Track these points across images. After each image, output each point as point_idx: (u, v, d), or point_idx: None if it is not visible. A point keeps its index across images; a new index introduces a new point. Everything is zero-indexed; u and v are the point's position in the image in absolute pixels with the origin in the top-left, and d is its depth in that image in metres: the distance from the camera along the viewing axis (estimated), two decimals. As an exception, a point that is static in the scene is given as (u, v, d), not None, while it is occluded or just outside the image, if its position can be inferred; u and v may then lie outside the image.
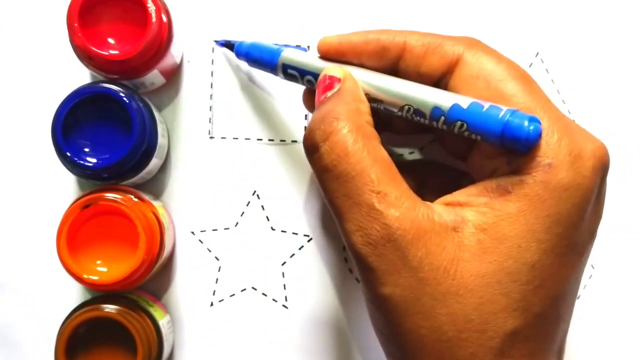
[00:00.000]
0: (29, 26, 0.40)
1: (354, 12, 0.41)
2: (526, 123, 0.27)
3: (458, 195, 0.29)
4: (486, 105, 0.28)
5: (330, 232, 0.40)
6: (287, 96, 0.41)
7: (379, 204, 0.27)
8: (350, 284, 0.40)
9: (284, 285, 0.40)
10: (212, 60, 0.41)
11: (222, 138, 0.41)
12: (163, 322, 0.38)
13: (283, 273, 0.40)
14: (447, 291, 0.27)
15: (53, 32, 0.40)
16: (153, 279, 0.39)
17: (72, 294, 0.40)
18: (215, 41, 0.39)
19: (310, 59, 0.34)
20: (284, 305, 0.40)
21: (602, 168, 0.28)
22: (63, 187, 0.40)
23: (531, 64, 0.41)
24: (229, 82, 0.41)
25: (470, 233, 0.28)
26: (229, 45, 0.38)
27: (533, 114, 0.28)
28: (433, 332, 0.27)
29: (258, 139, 0.41)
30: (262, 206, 0.40)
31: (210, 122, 0.41)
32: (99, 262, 0.35)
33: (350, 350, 0.40)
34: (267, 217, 0.40)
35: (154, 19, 0.35)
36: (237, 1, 0.41)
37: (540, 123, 0.27)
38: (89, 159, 0.35)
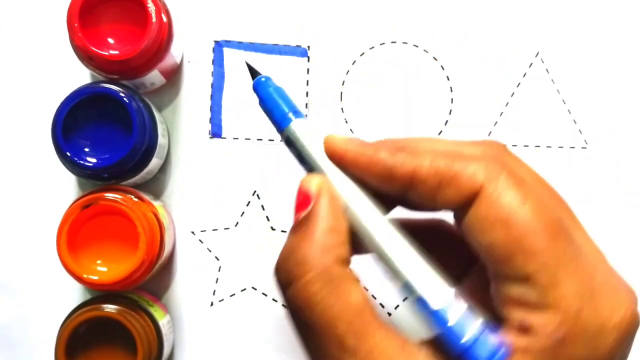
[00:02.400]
0: (29, 26, 0.40)
1: (354, 12, 0.41)
2: (487, 355, 0.24)
3: None
4: (454, 318, 0.25)
5: (330, 232, 0.40)
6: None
7: (349, 359, 0.25)
8: (350, 284, 0.40)
9: (284, 285, 0.40)
10: (212, 60, 0.41)
11: (222, 138, 0.41)
12: (163, 322, 0.38)
13: (283, 273, 0.40)
14: None
15: (53, 32, 0.40)
16: (153, 278, 0.39)
17: (72, 294, 0.40)
18: (246, 63, 0.35)
19: (313, 148, 0.29)
20: (284, 305, 0.40)
21: (629, 337, 0.25)
22: (63, 187, 0.40)
23: (531, 64, 0.41)
24: (229, 82, 0.41)
25: None
26: (252, 70, 0.33)
27: (553, 278, 0.24)
28: None
29: (258, 139, 0.41)
30: (262, 206, 0.40)
31: (210, 122, 0.41)
32: (99, 262, 0.35)
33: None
34: (267, 217, 0.40)
35: (154, 19, 0.35)
36: (237, 1, 0.41)
37: (502, 356, 0.24)
38: (89, 159, 0.35)
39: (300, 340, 0.26)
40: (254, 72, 0.33)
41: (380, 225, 0.27)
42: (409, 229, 0.29)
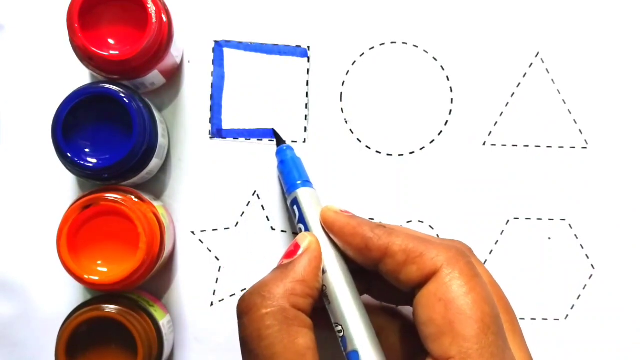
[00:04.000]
0: (30, 27, 0.40)
1: (354, 12, 0.41)
2: None
3: None
4: None
5: (331, 232, 0.40)
6: (287, 96, 0.41)
7: None
8: (350, 284, 0.40)
9: (284, 285, 0.40)
10: (212, 60, 0.41)
11: (222, 138, 0.41)
12: (163, 322, 0.38)
13: (283, 273, 0.40)
14: None
15: (53, 33, 0.40)
16: (153, 279, 0.39)
17: (72, 294, 0.40)
18: (274, 130, 0.40)
19: (312, 214, 0.34)
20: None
21: None
22: (63, 188, 0.40)
23: (531, 64, 0.41)
24: (229, 82, 0.41)
25: None
26: (277, 137, 0.40)
27: None
28: None
29: (258, 139, 0.41)
30: (262, 206, 0.40)
31: (210, 122, 0.41)
32: (99, 262, 0.35)
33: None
34: (267, 217, 0.40)
35: (154, 19, 0.35)
36: (237, 1, 0.41)
37: None
38: (89, 159, 0.35)
39: None
40: (279, 140, 0.39)
41: (347, 295, 0.31)
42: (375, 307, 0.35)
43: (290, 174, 0.37)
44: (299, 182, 0.36)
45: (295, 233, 0.40)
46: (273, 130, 0.40)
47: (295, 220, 0.35)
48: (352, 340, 0.30)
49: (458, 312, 0.28)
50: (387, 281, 0.32)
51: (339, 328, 0.31)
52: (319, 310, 0.31)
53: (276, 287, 0.30)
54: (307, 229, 0.34)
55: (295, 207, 0.35)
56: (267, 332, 0.28)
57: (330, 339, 0.32)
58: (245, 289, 0.40)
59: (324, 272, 0.32)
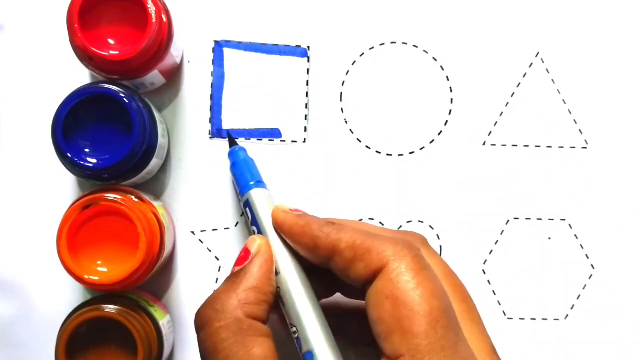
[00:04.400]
0: (30, 27, 0.40)
1: (354, 12, 0.41)
2: None
3: None
4: None
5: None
6: (287, 96, 0.41)
7: None
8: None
9: (284, 285, 0.40)
10: (212, 60, 0.41)
11: (222, 138, 0.41)
12: (163, 322, 0.38)
13: (283, 273, 0.40)
14: None
15: (53, 33, 0.40)
16: (153, 279, 0.39)
17: (72, 294, 0.40)
18: (228, 132, 0.40)
19: (263, 215, 0.34)
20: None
21: None
22: (63, 188, 0.40)
23: (531, 64, 0.41)
24: (229, 82, 0.41)
25: None
26: (230, 139, 0.39)
27: None
28: None
29: (258, 139, 0.41)
30: (262, 206, 0.40)
31: (210, 122, 0.41)
32: (99, 262, 0.35)
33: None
34: (267, 217, 0.40)
35: (154, 20, 0.35)
36: (237, 1, 0.41)
37: None
38: (89, 159, 0.35)
39: None
40: (232, 142, 0.39)
41: (300, 295, 0.31)
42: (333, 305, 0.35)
43: (243, 176, 0.37)
44: (251, 183, 0.36)
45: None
46: (227, 132, 0.40)
47: (249, 223, 0.35)
48: (307, 340, 0.30)
49: (406, 308, 0.27)
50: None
51: (294, 329, 0.31)
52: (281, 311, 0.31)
53: (229, 299, 0.29)
54: (260, 231, 0.34)
55: (247, 209, 0.35)
56: (223, 346, 0.28)
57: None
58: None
59: (277, 273, 0.32)
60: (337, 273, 0.31)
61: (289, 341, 0.31)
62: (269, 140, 0.41)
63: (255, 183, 0.36)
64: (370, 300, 0.29)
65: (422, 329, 0.27)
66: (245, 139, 0.41)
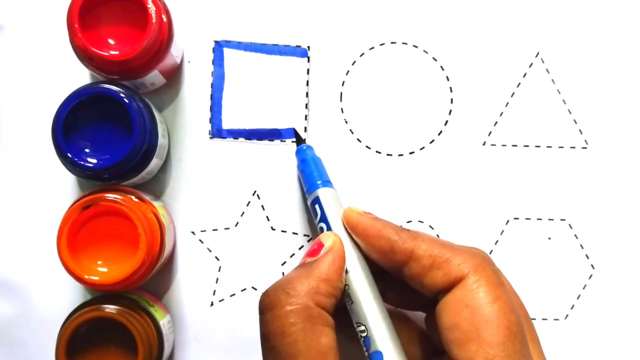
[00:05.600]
0: (30, 27, 0.40)
1: (354, 12, 0.41)
2: None
3: None
4: None
5: (331, 232, 0.40)
6: (287, 96, 0.41)
7: None
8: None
9: (284, 285, 0.40)
10: (212, 60, 0.41)
11: (222, 138, 0.41)
12: (163, 322, 0.38)
13: (283, 273, 0.40)
14: None
15: (53, 33, 0.40)
16: (153, 279, 0.39)
17: (72, 294, 0.40)
18: (294, 130, 0.40)
19: (333, 215, 0.35)
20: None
21: None
22: (63, 188, 0.40)
23: (531, 64, 0.41)
24: (229, 82, 0.41)
25: None
26: (297, 137, 0.40)
27: None
28: None
29: (258, 139, 0.41)
30: (262, 206, 0.40)
31: (210, 122, 0.41)
32: (99, 262, 0.35)
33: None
34: (267, 217, 0.40)
35: (154, 19, 0.35)
36: (237, 1, 0.41)
37: None
38: (89, 159, 0.35)
39: None
40: (299, 139, 0.40)
41: (370, 295, 0.31)
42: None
43: (311, 174, 0.37)
44: (319, 182, 0.36)
45: (295, 232, 0.40)
46: (293, 129, 0.40)
47: (316, 220, 0.35)
48: (375, 341, 0.30)
49: (485, 318, 0.28)
50: (401, 286, 0.32)
51: (362, 328, 0.31)
52: (338, 310, 0.31)
53: (301, 285, 0.30)
54: (329, 229, 0.34)
55: (316, 207, 0.36)
56: (291, 330, 0.28)
57: (347, 339, 0.32)
58: (245, 289, 0.40)
59: (346, 272, 0.32)
60: (408, 278, 0.31)
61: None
62: (269, 140, 0.41)
63: (323, 182, 0.36)
64: (446, 307, 0.29)
65: (500, 340, 0.27)
66: (245, 138, 0.41)
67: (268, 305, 0.29)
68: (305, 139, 0.40)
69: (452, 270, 0.30)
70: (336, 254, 0.32)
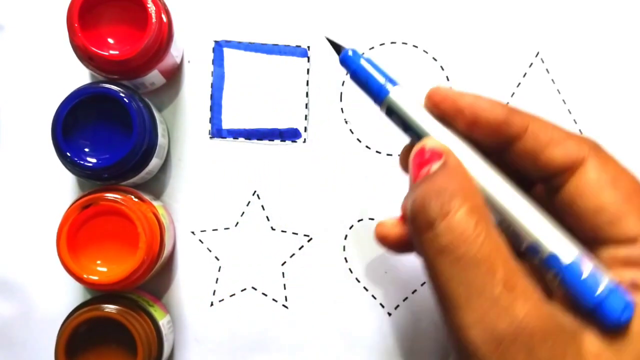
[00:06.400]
0: (30, 26, 0.40)
1: (354, 13, 0.41)
2: (621, 307, 0.25)
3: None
4: (586, 271, 0.26)
5: (330, 232, 0.40)
6: (287, 96, 0.41)
7: (508, 295, 0.24)
8: (350, 284, 0.40)
9: (284, 285, 0.40)
10: (212, 60, 0.41)
11: (222, 138, 0.41)
12: (163, 322, 0.38)
13: (283, 273, 0.40)
14: None
15: (53, 33, 0.40)
16: (153, 279, 0.39)
17: (72, 294, 0.40)
18: (327, 38, 0.33)
19: (418, 115, 0.29)
20: (284, 305, 0.40)
21: None
22: (63, 187, 0.40)
23: (531, 64, 0.41)
24: (229, 82, 0.41)
25: (590, 342, 0.25)
26: (334, 45, 0.32)
27: None
28: None
29: (258, 139, 0.41)
30: (262, 206, 0.40)
31: (210, 122, 0.41)
32: (99, 262, 0.35)
33: (350, 350, 0.40)
34: (267, 217, 0.40)
35: (154, 19, 0.35)
36: (237, 1, 0.41)
37: (632, 309, 0.25)
38: (89, 159, 0.35)
39: (445, 281, 0.25)
40: (337, 47, 0.32)
41: (504, 186, 0.28)
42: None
43: (373, 80, 0.30)
44: (387, 85, 0.30)
45: (295, 233, 0.40)
46: (326, 37, 0.33)
47: (401, 128, 0.30)
48: (543, 245, 0.26)
49: (630, 189, 0.27)
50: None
51: (506, 225, 0.27)
52: None
53: (460, 188, 0.26)
54: (418, 135, 0.29)
55: (394, 115, 0.30)
56: (477, 232, 0.25)
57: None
58: (245, 289, 0.40)
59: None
60: (521, 154, 0.28)
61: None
62: (269, 140, 0.41)
63: (389, 83, 0.30)
64: (579, 192, 0.27)
65: None
66: (245, 138, 0.41)
67: (439, 215, 0.26)
68: (341, 45, 0.32)
69: (572, 148, 0.28)
70: (456, 160, 0.28)
